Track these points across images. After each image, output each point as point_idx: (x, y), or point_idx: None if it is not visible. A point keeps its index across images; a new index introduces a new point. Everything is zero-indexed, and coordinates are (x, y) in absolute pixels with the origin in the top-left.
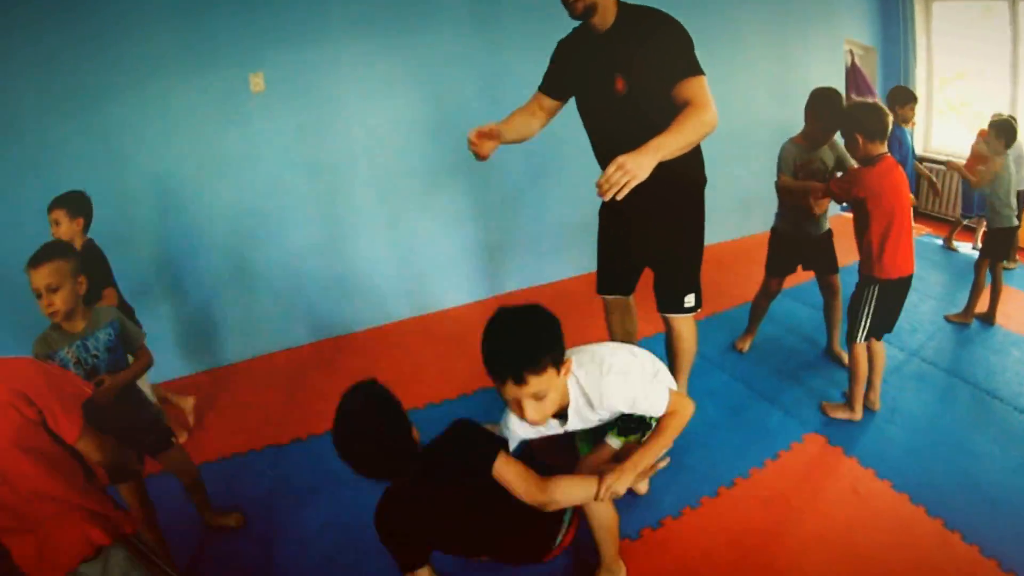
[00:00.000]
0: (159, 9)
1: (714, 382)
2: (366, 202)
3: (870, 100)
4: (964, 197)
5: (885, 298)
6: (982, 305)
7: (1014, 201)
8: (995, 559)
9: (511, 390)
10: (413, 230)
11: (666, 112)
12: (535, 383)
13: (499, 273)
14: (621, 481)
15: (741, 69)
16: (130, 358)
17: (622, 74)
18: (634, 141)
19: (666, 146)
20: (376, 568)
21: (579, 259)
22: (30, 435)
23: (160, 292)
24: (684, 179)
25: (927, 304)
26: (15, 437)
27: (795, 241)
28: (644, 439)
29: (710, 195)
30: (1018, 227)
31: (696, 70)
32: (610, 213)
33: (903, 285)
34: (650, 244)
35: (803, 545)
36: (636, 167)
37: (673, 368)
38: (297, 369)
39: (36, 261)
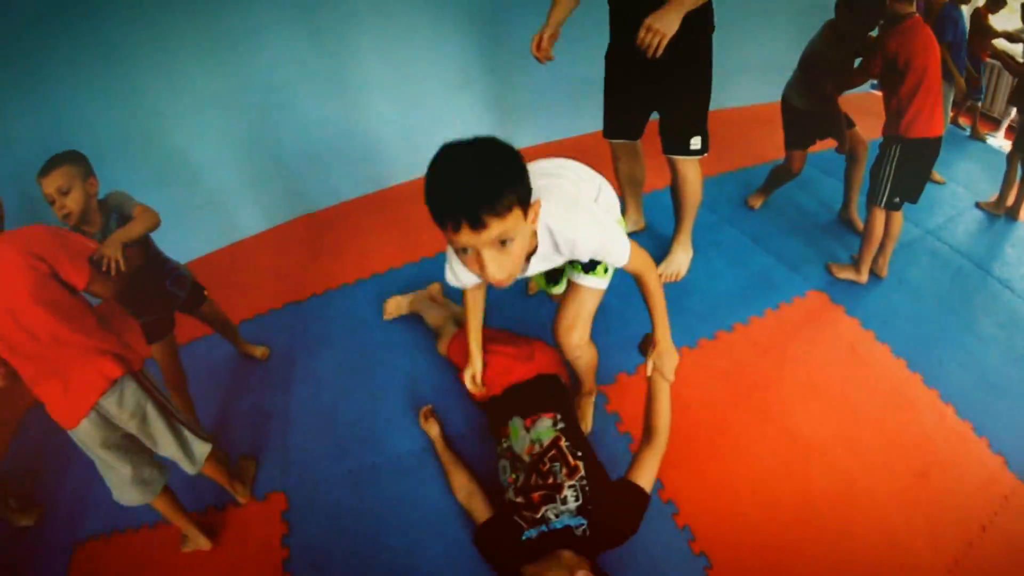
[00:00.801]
0: None
1: (721, 235)
2: (371, 64)
3: None
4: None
5: (908, 159)
6: (1011, 199)
7: None
8: (986, 438)
9: (466, 238)
10: (421, 90)
11: None
12: (496, 227)
13: (512, 131)
14: (669, 366)
15: None
16: None
17: None
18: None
19: (689, 1)
20: (384, 418)
21: (594, 114)
22: (45, 288)
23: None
24: (693, 22)
25: (952, 188)
26: (35, 293)
27: (807, 113)
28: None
29: (736, 56)
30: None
31: None
32: (617, 56)
33: (928, 147)
34: (657, 85)
35: (795, 393)
36: (664, 25)
37: (677, 213)
38: (313, 234)
39: (45, 170)
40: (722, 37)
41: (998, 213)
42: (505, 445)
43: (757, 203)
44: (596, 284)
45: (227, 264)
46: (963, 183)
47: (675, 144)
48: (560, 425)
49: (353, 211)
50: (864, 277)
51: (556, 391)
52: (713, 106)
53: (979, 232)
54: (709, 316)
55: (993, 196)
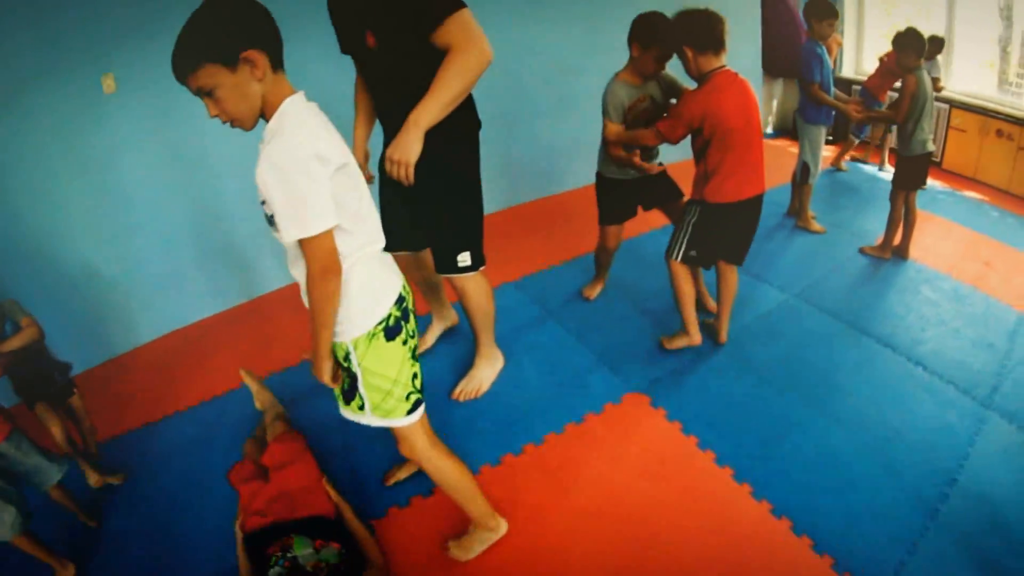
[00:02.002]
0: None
1: (544, 335)
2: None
3: (700, 7)
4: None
5: (710, 222)
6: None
7: (929, 124)
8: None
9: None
10: None
11: (426, 60)
12: (192, 83)
13: None
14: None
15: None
16: None
17: (371, 29)
18: (396, 97)
19: (426, 115)
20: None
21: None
22: None
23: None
24: (442, 134)
25: (835, 236)
26: None
27: (625, 183)
28: None
29: (567, 137)
30: (932, 153)
31: (452, 6)
32: (383, 167)
33: (737, 211)
34: (415, 203)
35: (580, 523)
36: (403, 154)
37: (472, 328)
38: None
39: None
40: (551, 122)
41: (885, 256)
42: (288, 555)
43: (593, 293)
44: (359, 419)
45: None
46: (853, 227)
47: (443, 263)
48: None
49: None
50: (695, 338)
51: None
52: (552, 190)
53: (861, 282)
54: (500, 434)
55: (879, 239)
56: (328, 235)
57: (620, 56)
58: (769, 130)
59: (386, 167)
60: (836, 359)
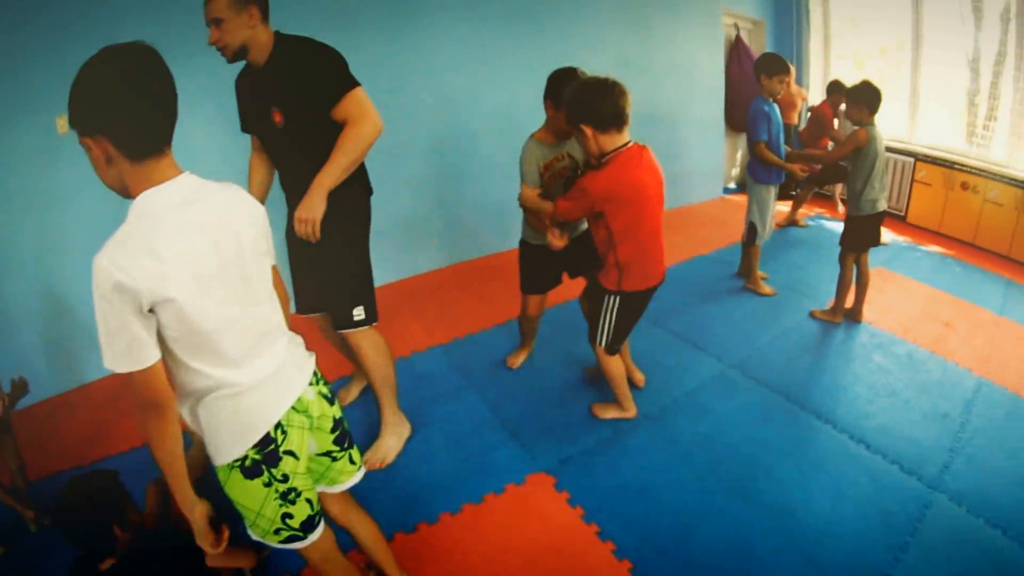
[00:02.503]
0: None
1: (460, 406)
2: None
3: (601, 75)
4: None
5: (630, 308)
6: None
7: (880, 183)
8: None
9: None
10: None
11: (329, 135)
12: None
13: None
14: None
15: (588, 50)
16: None
17: (278, 107)
18: (300, 168)
19: (328, 178)
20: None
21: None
22: None
23: None
24: (338, 196)
25: (786, 298)
26: None
27: (548, 250)
28: None
29: (514, 194)
30: (885, 213)
31: (348, 85)
32: (290, 234)
33: (650, 292)
34: (312, 260)
35: None
36: (309, 212)
37: (374, 393)
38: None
39: None
40: (501, 177)
41: (836, 320)
42: None
43: (516, 362)
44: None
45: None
46: (806, 288)
47: (339, 319)
48: None
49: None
50: (630, 411)
51: None
52: (498, 248)
53: (807, 350)
54: (397, 510)
55: (831, 301)
56: (143, 372)
57: None
58: (732, 184)
59: (295, 227)
60: (768, 439)
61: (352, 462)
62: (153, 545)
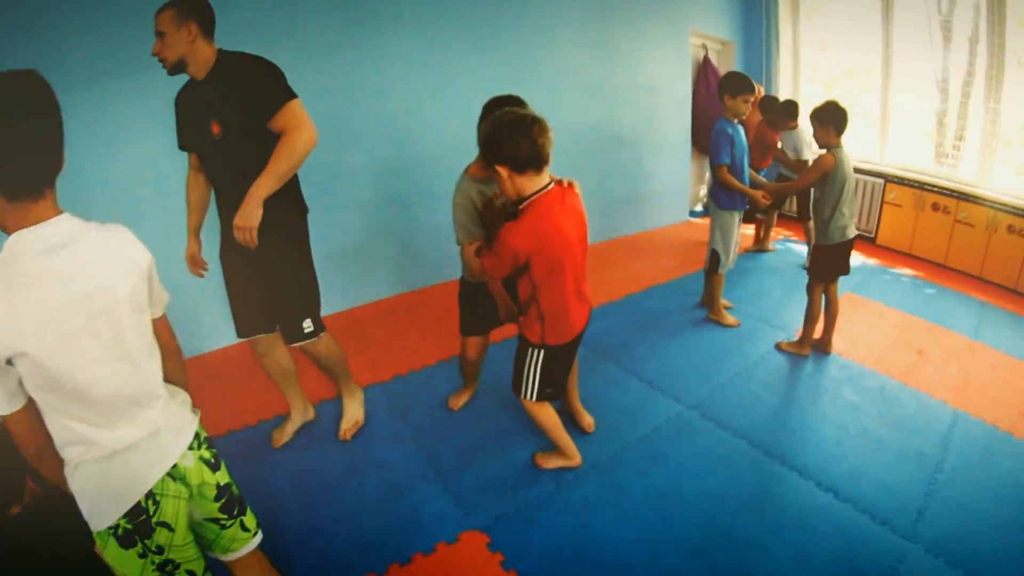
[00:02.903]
0: None
1: (395, 452)
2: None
3: (519, 111)
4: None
5: (555, 360)
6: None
7: (849, 208)
8: None
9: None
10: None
11: (265, 146)
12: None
13: None
14: None
15: (551, 70)
16: None
17: (216, 118)
18: (237, 180)
19: (263, 187)
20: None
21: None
22: None
23: None
24: (276, 206)
25: (750, 328)
26: None
27: (487, 289)
28: None
29: None
30: (854, 239)
31: (285, 96)
32: (226, 255)
33: (576, 342)
34: (259, 277)
35: None
36: (246, 220)
37: (331, 378)
38: None
39: None
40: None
41: (803, 353)
42: None
43: (458, 403)
44: None
45: None
46: (773, 318)
47: (291, 333)
48: None
49: None
50: (575, 459)
51: None
52: (444, 277)
53: (772, 387)
54: (322, 570)
55: (798, 332)
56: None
57: None
58: (699, 207)
59: (236, 237)
60: (727, 489)
61: (245, 528)
62: (59, 504)
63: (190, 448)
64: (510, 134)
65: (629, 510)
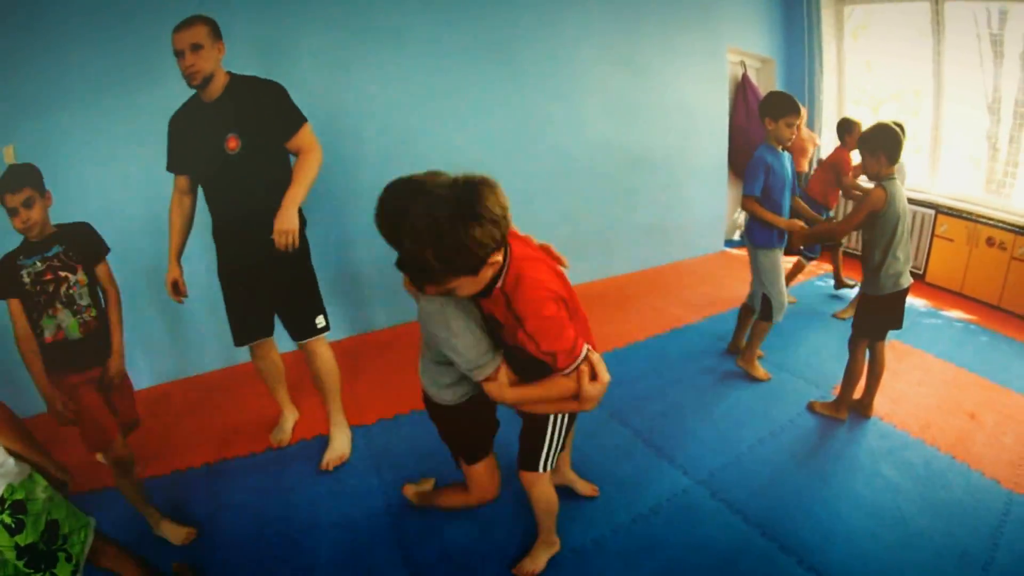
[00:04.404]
0: None
1: (352, 533)
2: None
3: (474, 176)
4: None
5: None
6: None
7: (904, 252)
8: None
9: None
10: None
11: (276, 162)
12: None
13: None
14: None
15: (572, 90)
16: None
17: (235, 133)
18: (245, 196)
19: (298, 197)
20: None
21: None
22: None
23: None
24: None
25: (781, 382)
26: None
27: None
28: None
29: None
30: (907, 289)
31: (301, 120)
32: (229, 271)
33: None
34: (272, 282)
35: None
36: (289, 224)
37: (324, 397)
38: None
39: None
40: None
41: (840, 417)
42: None
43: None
44: None
45: None
46: (806, 371)
47: (303, 329)
48: None
49: None
50: (557, 545)
51: None
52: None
53: (798, 460)
54: None
55: (835, 390)
56: None
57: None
58: (736, 237)
59: (278, 241)
60: None
61: None
62: None
63: None
64: (441, 224)
65: None
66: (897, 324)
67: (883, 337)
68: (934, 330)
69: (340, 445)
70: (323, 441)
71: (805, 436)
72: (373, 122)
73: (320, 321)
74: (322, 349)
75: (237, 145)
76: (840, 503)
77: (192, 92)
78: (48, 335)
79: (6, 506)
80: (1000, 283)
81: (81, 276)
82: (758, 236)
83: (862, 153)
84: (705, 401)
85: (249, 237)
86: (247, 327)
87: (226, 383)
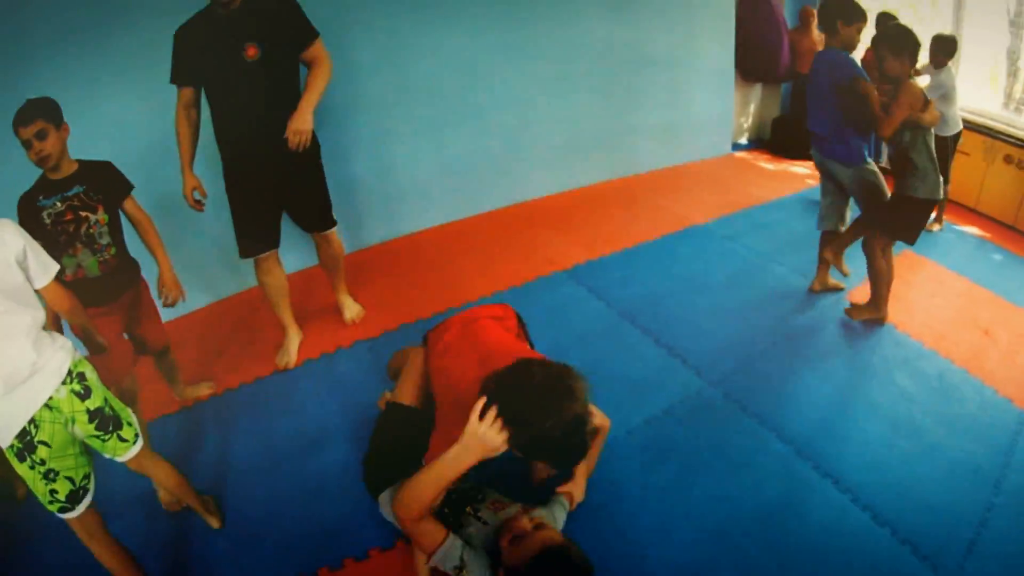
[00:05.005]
0: None
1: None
2: None
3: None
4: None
5: None
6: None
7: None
8: None
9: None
10: None
11: (291, 70)
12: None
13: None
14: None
15: None
16: None
17: (254, 42)
18: (266, 98)
19: (314, 102)
20: None
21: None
22: None
23: None
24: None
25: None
26: None
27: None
28: None
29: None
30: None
31: (315, 32)
32: (240, 176)
33: None
34: (288, 179)
35: None
36: (304, 124)
37: (336, 280)
38: None
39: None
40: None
41: (881, 317)
42: None
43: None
44: None
45: None
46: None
47: (322, 220)
48: None
49: None
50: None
51: None
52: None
53: (816, 363)
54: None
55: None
56: None
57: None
58: (743, 140)
59: (291, 141)
60: (743, 497)
61: (123, 439)
62: None
63: (64, 383)
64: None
65: (622, 515)
66: (912, 238)
67: (892, 244)
68: (948, 244)
69: (355, 306)
70: (329, 359)
71: (820, 341)
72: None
73: (333, 214)
74: (334, 236)
75: (256, 53)
76: (856, 409)
77: (203, 6)
78: (68, 273)
79: (74, 376)
80: (1016, 203)
81: (102, 215)
82: (856, 151)
83: (882, 53)
84: (717, 302)
85: (266, 143)
86: (255, 239)
87: (229, 313)
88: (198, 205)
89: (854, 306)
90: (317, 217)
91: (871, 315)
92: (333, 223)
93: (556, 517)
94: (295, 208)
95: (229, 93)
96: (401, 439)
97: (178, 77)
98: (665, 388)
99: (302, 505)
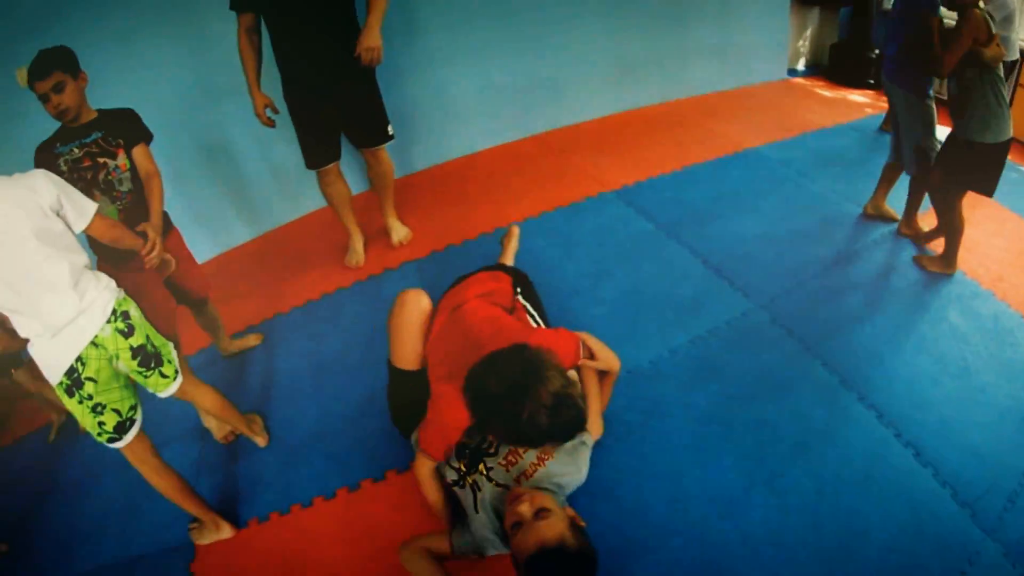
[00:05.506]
0: None
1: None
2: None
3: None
4: None
5: None
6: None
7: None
8: None
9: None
10: None
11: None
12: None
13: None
14: None
15: None
16: None
17: None
18: (322, 18)
19: (380, 19)
20: None
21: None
22: None
23: None
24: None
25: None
26: None
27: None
28: None
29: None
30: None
31: None
32: (299, 90)
33: None
34: (345, 95)
35: None
36: (375, 41)
37: (384, 196)
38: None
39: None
40: None
41: (949, 272)
42: None
43: None
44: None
45: None
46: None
47: (377, 136)
48: None
49: None
50: None
51: None
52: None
53: (866, 292)
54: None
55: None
56: None
57: None
58: (800, 66)
59: (364, 58)
60: (783, 425)
61: (164, 376)
62: None
63: (108, 322)
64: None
65: (661, 433)
66: (991, 185)
67: (964, 194)
68: (1012, 184)
69: (403, 229)
70: (377, 281)
71: (872, 269)
72: None
73: (391, 129)
74: (386, 155)
75: None
76: (905, 344)
77: None
78: None
79: (118, 315)
80: None
81: (122, 161)
82: (923, 82)
83: None
84: (767, 226)
85: (327, 60)
86: (320, 152)
87: (278, 243)
88: (270, 122)
89: (925, 257)
90: (374, 130)
91: (941, 269)
92: (389, 137)
93: (579, 462)
94: (352, 121)
95: (286, 15)
96: (417, 401)
97: (237, 3)
98: (711, 309)
99: (346, 422)
